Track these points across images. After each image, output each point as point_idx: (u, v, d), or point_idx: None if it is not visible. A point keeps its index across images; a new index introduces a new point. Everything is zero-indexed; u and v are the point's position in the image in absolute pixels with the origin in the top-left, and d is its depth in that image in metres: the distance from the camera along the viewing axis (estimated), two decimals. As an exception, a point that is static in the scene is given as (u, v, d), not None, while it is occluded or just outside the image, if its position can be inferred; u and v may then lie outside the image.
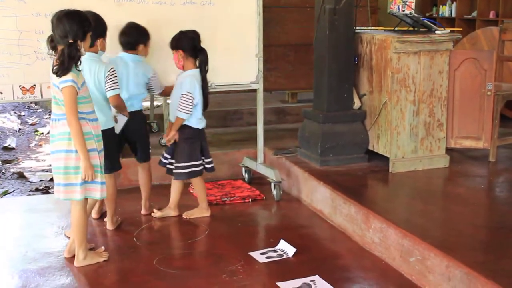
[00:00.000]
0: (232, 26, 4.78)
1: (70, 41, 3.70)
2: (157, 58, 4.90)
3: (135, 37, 4.68)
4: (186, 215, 4.89)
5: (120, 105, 4.42)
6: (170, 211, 4.93)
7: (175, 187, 4.89)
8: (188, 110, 4.62)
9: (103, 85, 4.30)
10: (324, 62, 5.40)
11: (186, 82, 4.62)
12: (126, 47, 4.68)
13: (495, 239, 3.93)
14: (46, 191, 5.93)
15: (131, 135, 4.73)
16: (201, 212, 4.91)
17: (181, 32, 4.66)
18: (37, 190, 6.01)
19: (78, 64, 3.76)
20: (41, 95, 4.82)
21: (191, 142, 4.74)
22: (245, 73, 5.16)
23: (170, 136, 4.70)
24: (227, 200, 5.17)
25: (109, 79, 4.30)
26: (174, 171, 4.78)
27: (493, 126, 5.38)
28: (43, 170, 6.61)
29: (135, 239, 4.51)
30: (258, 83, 5.53)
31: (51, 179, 6.13)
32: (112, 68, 4.32)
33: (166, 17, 5.06)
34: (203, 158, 4.81)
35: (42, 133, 8.46)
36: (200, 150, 4.77)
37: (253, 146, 5.74)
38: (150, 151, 4.91)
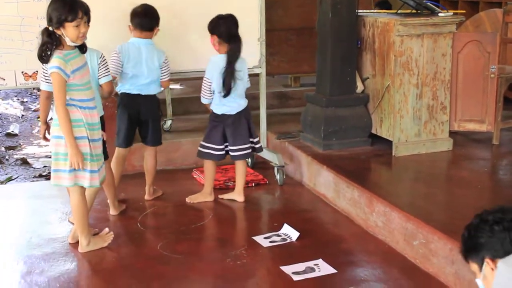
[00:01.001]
0: (233, 10, 4.75)
1: (46, 26, 3.72)
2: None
3: (155, 19, 4.70)
4: (190, 199, 4.91)
5: (112, 91, 4.47)
6: (203, 196, 4.93)
7: (204, 169, 4.92)
8: (205, 95, 4.71)
9: (96, 72, 4.29)
10: (327, 46, 5.38)
11: (207, 67, 4.69)
12: (144, 29, 4.65)
13: None
14: (49, 177, 5.92)
15: (144, 117, 4.75)
16: (205, 196, 4.92)
17: (218, 17, 4.67)
18: (40, 176, 6.03)
19: (56, 51, 3.72)
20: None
21: (212, 126, 4.79)
22: (248, 58, 5.12)
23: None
24: (231, 184, 5.17)
25: (102, 65, 4.29)
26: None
27: (497, 109, 5.37)
28: (46, 156, 6.63)
29: (138, 225, 4.53)
30: (260, 68, 5.53)
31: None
32: (103, 54, 4.30)
33: (165, 0, 5.05)
34: (226, 144, 4.80)
35: (45, 119, 8.46)
36: (222, 136, 4.76)
37: (256, 130, 5.73)
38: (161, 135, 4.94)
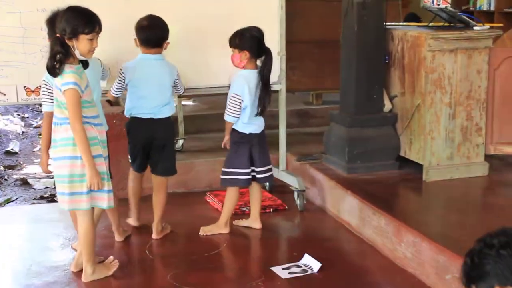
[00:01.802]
0: (251, 21, 4.77)
1: (57, 35, 3.76)
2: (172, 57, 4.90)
3: (163, 33, 4.58)
4: (203, 231, 4.84)
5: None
6: (218, 228, 4.87)
7: (227, 196, 4.84)
8: (234, 113, 4.62)
9: (99, 80, 4.40)
10: (352, 60, 5.39)
11: (235, 83, 4.64)
12: (152, 45, 4.55)
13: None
14: (51, 199, 5.97)
15: (158, 143, 4.65)
16: (219, 228, 4.84)
17: (246, 30, 4.62)
18: (41, 198, 6.05)
19: (67, 65, 3.74)
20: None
21: (236, 147, 4.72)
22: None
23: (225, 141, 4.76)
24: (247, 210, 5.16)
25: (105, 71, 4.45)
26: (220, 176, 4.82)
27: (537, 131, 5.35)
28: (48, 177, 6.65)
29: (147, 252, 4.53)
30: (280, 83, 5.54)
31: (57, 187, 6.18)
32: (100, 61, 4.39)
33: (179, 12, 5.08)
34: (253, 167, 4.77)
35: (47, 137, 8.51)
36: (249, 157, 4.74)
37: (275, 151, 5.73)
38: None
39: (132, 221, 4.90)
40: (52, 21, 4.06)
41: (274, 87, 5.48)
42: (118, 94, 4.70)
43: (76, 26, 3.73)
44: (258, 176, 4.77)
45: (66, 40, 3.74)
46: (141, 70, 4.54)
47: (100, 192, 3.87)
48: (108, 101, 5.49)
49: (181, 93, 4.86)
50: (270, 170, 4.83)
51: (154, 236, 4.78)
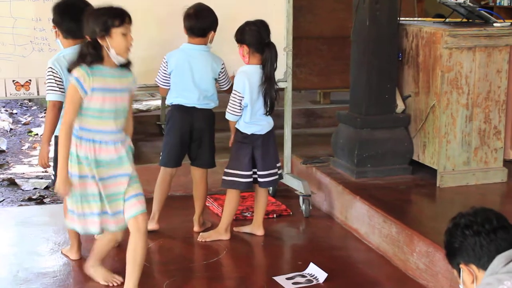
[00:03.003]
0: (258, 16, 4.78)
1: (87, 38, 3.70)
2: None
3: (210, 22, 4.75)
4: (202, 237, 4.84)
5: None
6: (218, 234, 4.87)
7: (226, 200, 4.84)
8: (235, 111, 4.66)
9: None
10: (363, 57, 5.39)
11: (236, 79, 4.69)
12: (196, 34, 4.73)
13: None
14: (40, 201, 5.97)
15: (198, 134, 4.84)
16: (219, 234, 4.84)
17: (246, 24, 4.68)
18: (30, 199, 6.05)
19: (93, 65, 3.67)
20: (37, 92, 4.87)
21: (237, 148, 4.75)
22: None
23: (231, 140, 4.82)
24: (248, 215, 5.17)
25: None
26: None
27: (559, 135, 5.35)
28: (37, 177, 6.66)
29: (142, 259, 4.52)
30: (286, 81, 5.54)
31: (46, 187, 6.19)
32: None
33: (184, 5, 5.08)
34: (255, 170, 4.77)
35: (37, 134, 8.53)
36: (250, 159, 4.74)
37: (279, 153, 5.73)
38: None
39: (153, 225, 4.88)
40: (60, 8, 4.13)
41: (280, 85, 5.47)
42: (166, 85, 4.80)
43: (105, 20, 3.64)
44: (260, 180, 4.77)
45: (99, 40, 3.65)
46: (183, 59, 4.72)
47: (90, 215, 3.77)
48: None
49: (225, 88, 4.91)
50: (274, 174, 4.82)
51: (196, 229, 4.98)
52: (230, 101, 4.66)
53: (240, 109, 4.65)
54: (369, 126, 5.40)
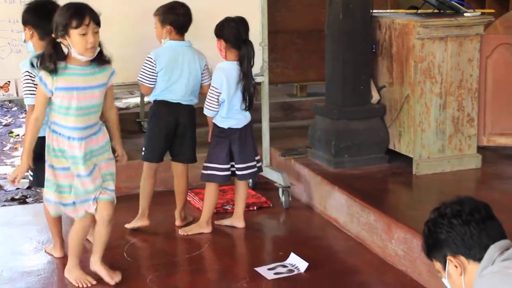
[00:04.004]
0: (232, 11, 4.78)
1: (52, 35, 3.72)
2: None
3: (191, 19, 4.77)
4: (183, 231, 4.85)
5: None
6: (199, 227, 4.88)
7: (206, 193, 4.86)
8: (212, 107, 4.68)
9: None
10: (338, 50, 5.41)
11: (214, 75, 4.71)
12: (185, 31, 4.76)
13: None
14: (23, 200, 5.93)
15: (182, 129, 4.84)
16: (201, 227, 4.84)
17: (226, 19, 4.69)
18: (13, 199, 6.01)
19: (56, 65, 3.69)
20: (17, 93, 4.85)
21: (215, 142, 4.77)
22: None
23: (210, 135, 4.82)
24: (229, 208, 5.17)
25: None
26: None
27: (531, 121, 5.39)
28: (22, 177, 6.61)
29: (125, 255, 4.51)
30: (262, 75, 5.54)
31: (29, 187, 6.15)
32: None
33: (160, 2, 5.07)
34: (233, 163, 4.78)
35: (18, 135, 8.47)
36: (228, 153, 4.75)
37: (258, 146, 5.73)
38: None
39: (144, 221, 4.87)
40: (37, 9, 4.10)
41: (257, 79, 5.47)
42: (152, 84, 4.74)
43: (63, 21, 3.65)
44: (238, 173, 4.78)
45: (61, 40, 3.67)
46: (174, 56, 4.71)
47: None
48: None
49: (207, 83, 4.87)
50: (252, 167, 4.83)
51: (177, 223, 4.98)
52: (208, 96, 4.67)
53: (218, 105, 4.66)
54: (345, 117, 5.42)
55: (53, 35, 3.70)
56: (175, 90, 4.75)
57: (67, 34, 3.65)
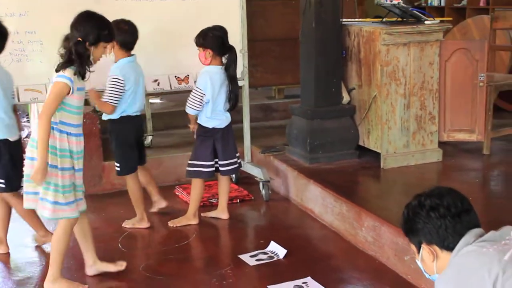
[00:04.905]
0: (214, 21, 4.77)
1: (78, 38, 3.60)
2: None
3: (137, 36, 4.65)
4: (172, 223, 4.83)
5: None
6: (187, 219, 4.85)
7: (192, 188, 4.85)
8: (195, 106, 4.64)
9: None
10: (311, 56, 5.40)
11: (199, 78, 4.68)
12: (131, 48, 4.63)
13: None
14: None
15: (141, 136, 4.91)
16: (188, 219, 4.83)
17: (209, 29, 4.64)
18: (16, 196, 5.96)
19: (87, 70, 3.64)
20: (18, 99, 4.80)
21: (201, 141, 4.75)
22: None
23: (192, 128, 4.82)
24: (214, 201, 5.15)
25: None
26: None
27: (487, 118, 5.41)
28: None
29: (120, 245, 4.49)
30: (243, 80, 5.54)
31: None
32: None
33: (145, 13, 5.06)
34: (216, 160, 4.76)
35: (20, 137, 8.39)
36: (212, 151, 4.73)
37: (239, 144, 5.72)
38: None
39: (144, 223, 4.82)
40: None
41: (238, 83, 5.47)
42: (117, 103, 4.58)
43: (99, 34, 3.65)
44: (221, 169, 4.77)
45: (87, 46, 3.63)
46: (135, 72, 4.63)
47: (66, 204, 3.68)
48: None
49: None
50: (234, 163, 4.82)
51: (163, 205, 5.09)
52: (192, 97, 4.64)
53: (200, 105, 4.64)
54: (319, 117, 5.42)
55: (79, 39, 3.59)
56: (138, 104, 4.68)
57: (95, 44, 3.65)
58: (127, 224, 4.82)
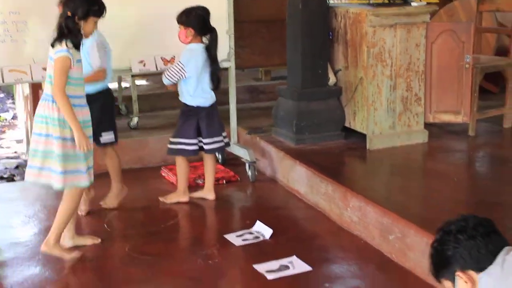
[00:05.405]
0: (200, 2, 4.76)
1: (68, 13, 3.74)
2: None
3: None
4: (164, 199, 4.87)
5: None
6: (177, 196, 4.89)
7: (177, 166, 4.87)
8: (170, 77, 4.64)
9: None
10: (298, 38, 5.40)
11: (183, 54, 4.67)
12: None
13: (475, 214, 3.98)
14: (11, 179, 5.88)
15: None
16: (179, 196, 4.86)
17: (192, 8, 4.64)
18: (1, 178, 5.96)
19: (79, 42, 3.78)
20: (2, 80, 4.78)
21: (184, 119, 4.75)
22: (216, 51, 5.15)
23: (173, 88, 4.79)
24: (201, 182, 5.16)
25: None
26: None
27: (472, 100, 5.43)
28: (7, 157, 6.55)
29: (105, 226, 4.50)
30: (229, 61, 5.53)
31: (17, 167, 6.11)
32: None
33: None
34: (200, 138, 4.77)
35: (5, 119, 8.38)
36: (196, 129, 4.74)
37: (226, 126, 5.72)
38: None
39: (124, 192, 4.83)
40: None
41: (224, 65, 5.47)
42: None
43: (88, 9, 3.82)
44: (205, 147, 4.78)
45: (76, 20, 3.77)
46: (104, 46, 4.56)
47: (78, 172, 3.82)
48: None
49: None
50: (219, 141, 4.82)
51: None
52: (171, 69, 4.64)
53: (176, 77, 4.63)
54: (306, 98, 5.42)
55: (69, 13, 3.75)
56: (108, 76, 4.60)
57: (85, 18, 3.81)
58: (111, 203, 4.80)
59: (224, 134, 4.89)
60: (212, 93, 4.77)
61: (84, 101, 3.88)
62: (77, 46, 3.77)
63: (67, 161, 3.76)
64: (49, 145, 3.77)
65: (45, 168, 3.80)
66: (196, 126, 4.72)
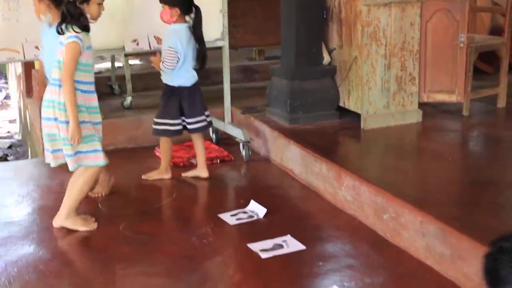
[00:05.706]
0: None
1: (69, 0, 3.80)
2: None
3: None
4: (146, 176, 4.90)
5: None
6: (159, 173, 4.92)
7: (161, 146, 4.90)
8: (171, 65, 4.61)
9: None
10: (292, 16, 5.38)
11: (168, 37, 4.65)
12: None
13: (469, 194, 4.01)
14: (4, 158, 5.88)
15: None
16: (161, 173, 4.90)
17: None
18: (-6, 158, 5.96)
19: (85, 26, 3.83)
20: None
21: (166, 99, 4.75)
22: (209, 30, 5.11)
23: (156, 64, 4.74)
24: (194, 162, 5.15)
25: None
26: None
27: (466, 79, 5.43)
28: (0, 137, 6.54)
29: (100, 205, 4.50)
30: (223, 40, 5.50)
31: (10, 147, 6.11)
32: None
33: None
34: (183, 118, 4.77)
35: (-2, 99, 8.35)
36: (178, 109, 4.73)
37: (220, 105, 5.73)
38: None
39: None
40: None
41: (218, 44, 5.45)
42: None
43: None
44: (188, 127, 4.79)
45: (78, 5, 3.82)
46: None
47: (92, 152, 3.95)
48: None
49: None
50: (202, 121, 4.81)
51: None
52: (167, 57, 4.59)
53: (176, 63, 4.61)
54: (299, 77, 5.41)
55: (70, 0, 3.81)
56: None
57: (86, 2, 3.86)
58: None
59: (207, 113, 4.87)
60: (194, 72, 4.75)
61: (92, 87, 3.96)
62: (85, 29, 3.82)
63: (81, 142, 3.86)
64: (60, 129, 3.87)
65: (58, 150, 3.94)
66: (178, 106, 4.72)
